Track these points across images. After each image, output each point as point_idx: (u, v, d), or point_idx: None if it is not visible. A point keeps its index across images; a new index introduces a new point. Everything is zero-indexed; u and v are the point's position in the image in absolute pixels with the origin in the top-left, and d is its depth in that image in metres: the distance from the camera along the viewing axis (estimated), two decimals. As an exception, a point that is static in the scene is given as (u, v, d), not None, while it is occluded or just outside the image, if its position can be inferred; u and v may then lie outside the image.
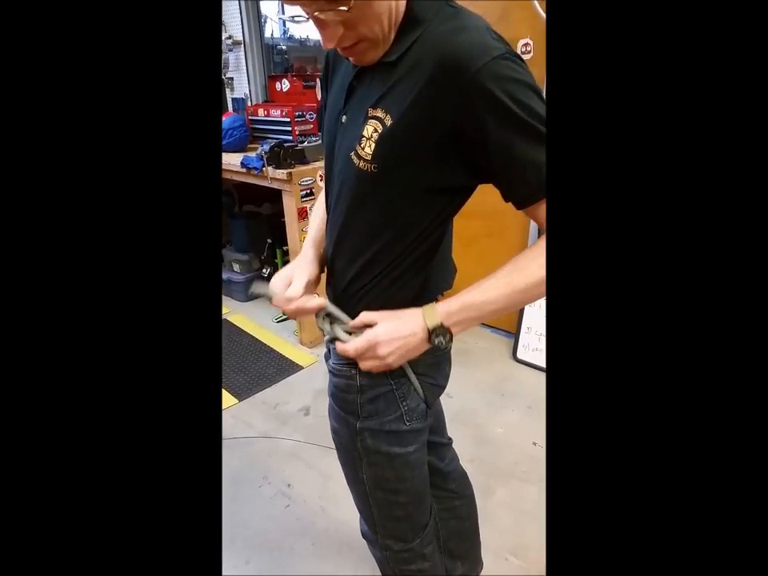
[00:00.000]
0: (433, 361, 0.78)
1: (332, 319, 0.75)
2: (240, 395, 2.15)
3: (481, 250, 2.40)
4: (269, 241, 2.78)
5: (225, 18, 3.02)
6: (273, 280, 0.77)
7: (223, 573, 1.40)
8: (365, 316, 0.69)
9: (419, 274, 0.72)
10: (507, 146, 0.58)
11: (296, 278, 0.76)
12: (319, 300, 0.74)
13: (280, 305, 0.75)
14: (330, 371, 0.81)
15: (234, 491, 1.66)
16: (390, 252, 0.69)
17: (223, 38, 3.00)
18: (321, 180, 2.26)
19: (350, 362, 0.74)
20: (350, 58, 0.65)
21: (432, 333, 0.65)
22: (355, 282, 0.72)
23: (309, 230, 0.86)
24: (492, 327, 2.57)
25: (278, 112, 2.60)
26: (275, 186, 2.27)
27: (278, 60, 3.20)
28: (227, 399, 2.13)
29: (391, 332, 0.66)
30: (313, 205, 2.27)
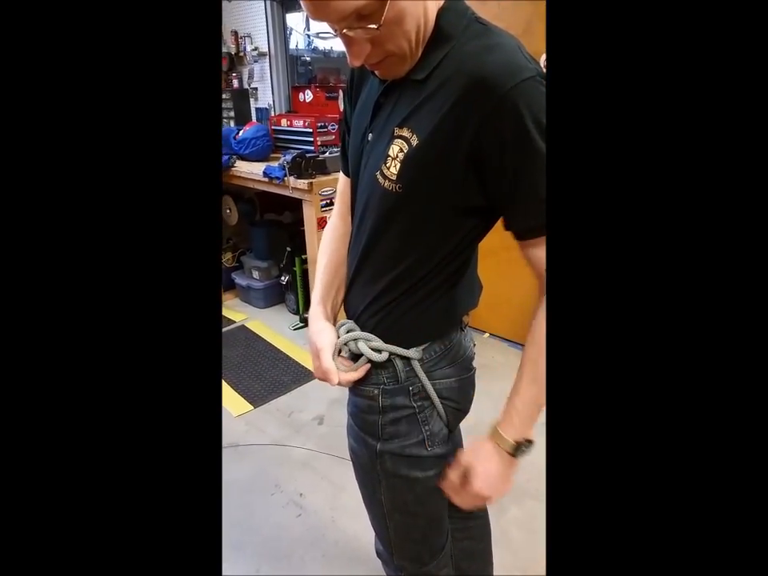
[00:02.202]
0: (457, 385, 0.76)
1: (356, 336, 0.73)
2: (255, 402, 2.16)
3: (499, 262, 2.38)
4: (288, 249, 2.81)
5: (251, 29, 3.08)
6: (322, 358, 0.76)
7: (233, 580, 1.40)
8: (456, 473, 0.72)
9: (446, 295, 0.71)
10: (520, 172, 0.57)
11: (323, 350, 0.75)
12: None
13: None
14: (350, 389, 0.80)
15: (246, 498, 1.66)
16: (416, 272, 0.68)
17: (249, 49, 3.06)
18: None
19: (372, 382, 0.74)
20: (377, 72, 0.65)
21: (516, 452, 0.67)
22: (378, 301, 0.71)
23: (316, 280, 0.83)
24: (509, 341, 2.54)
25: (301, 122, 2.64)
26: (296, 195, 2.29)
27: (302, 71, 3.25)
28: (242, 405, 2.14)
29: (488, 479, 0.69)
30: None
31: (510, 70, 0.55)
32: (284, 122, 2.76)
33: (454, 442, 0.80)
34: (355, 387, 0.77)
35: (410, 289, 0.69)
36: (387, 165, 0.63)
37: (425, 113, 0.60)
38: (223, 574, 1.42)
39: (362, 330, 0.73)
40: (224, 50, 3.26)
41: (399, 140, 0.62)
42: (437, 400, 0.74)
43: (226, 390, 2.25)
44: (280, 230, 3.00)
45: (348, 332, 0.73)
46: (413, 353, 0.71)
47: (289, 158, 2.23)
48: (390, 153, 0.63)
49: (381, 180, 0.64)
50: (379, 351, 0.71)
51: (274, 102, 3.21)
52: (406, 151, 0.61)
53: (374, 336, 0.72)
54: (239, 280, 3.07)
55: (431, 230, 0.65)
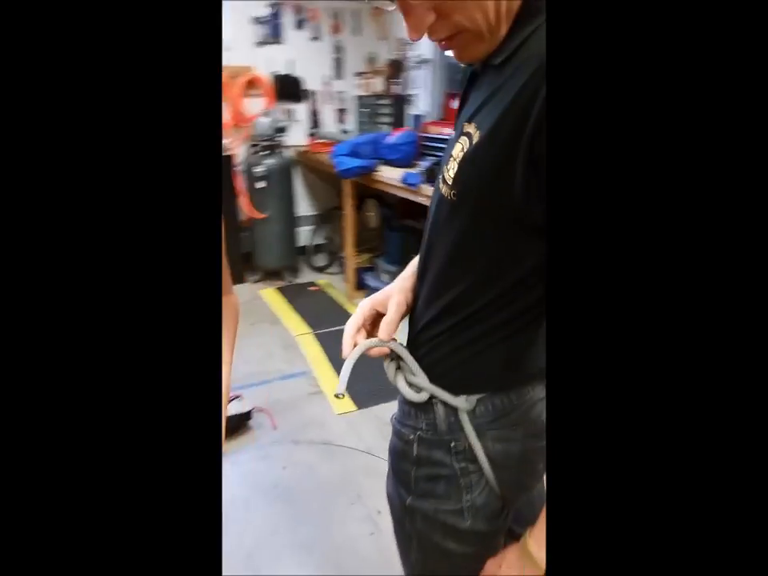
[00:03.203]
0: (520, 453, 0.60)
1: (399, 364, 0.64)
2: (359, 403, 2.16)
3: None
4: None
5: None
6: (362, 303, 0.68)
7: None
8: None
9: (513, 338, 0.57)
10: None
11: (391, 304, 0.64)
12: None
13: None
14: (393, 426, 0.70)
15: (327, 500, 1.66)
16: (469, 302, 0.56)
17: (411, 55, 3.10)
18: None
19: (410, 424, 0.63)
20: (453, 54, 0.54)
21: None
22: (427, 330, 0.61)
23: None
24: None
25: (448, 130, 2.58)
26: (427, 203, 2.24)
27: (459, 78, 3.19)
28: (347, 404, 2.16)
29: None
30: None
31: None
32: (434, 129, 2.73)
33: (511, 518, 0.65)
34: (394, 425, 0.68)
35: (463, 322, 0.57)
36: (448, 167, 0.53)
37: (494, 104, 0.48)
38: (286, 572, 1.42)
39: (414, 356, 0.62)
40: (389, 56, 3.35)
41: (464, 137, 0.51)
42: (487, 466, 0.59)
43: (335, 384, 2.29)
44: (414, 237, 2.98)
45: (394, 358, 0.64)
46: (460, 402, 0.59)
47: (426, 164, 2.19)
48: (453, 153, 0.52)
49: (441, 185, 0.54)
50: (419, 390, 0.61)
51: (430, 108, 3.21)
52: (465, 151, 0.50)
53: (419, 369, 0.61)
54: (370, 281, 3.13)
55: (488, 251, 0.53)
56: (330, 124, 3.81)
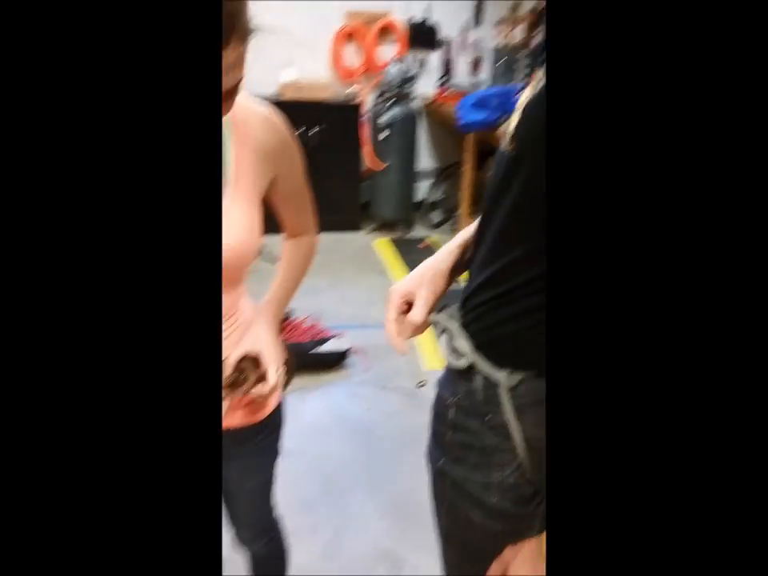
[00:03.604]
0: None
1: (446, 327, 0.61)
2: (449, 362, 2.17)
3: None
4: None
5: None
6: (391, 294, 0.65)
7: (359, 513, 1.49)
8: None
9: None
10: None
11: (418, 299, 0.62)
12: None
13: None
14: (436, 384, 0.67)
15: (401, 448, 1.72)
16: (514, 275, 0.51)
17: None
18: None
19: (450, 388, 0.61)
20: None
21: None
22: (476, 296, 0.57)
23: None
24: None
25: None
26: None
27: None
28: (436, 361, 2.18)
29: None
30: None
31: None
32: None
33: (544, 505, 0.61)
34: (437, 385, 0.66)
35: (506, 295, 0.52)
36: (512, 119, 0.48)
37: None
38: (357, 502, 1.52)
39: (463, 320, 0.59)
40: (533, 4, 3.09)
41: (533, 83, 0.46)
42: (521, 448, 0.56)
43: (431, 340, 2.31)
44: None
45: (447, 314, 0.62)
46: (501, 376, 0.55)
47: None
48: (519, 103, 0.47)
49: (504, 140, 0.50)
50: (461, 356, 0.58)
51: (572, 61, 2.92)
52: (529, 98, 0.45)
53: (463, 334, 0.58)
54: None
55: (538, 224, 0.47)
56: (462, 75, 3.66)
